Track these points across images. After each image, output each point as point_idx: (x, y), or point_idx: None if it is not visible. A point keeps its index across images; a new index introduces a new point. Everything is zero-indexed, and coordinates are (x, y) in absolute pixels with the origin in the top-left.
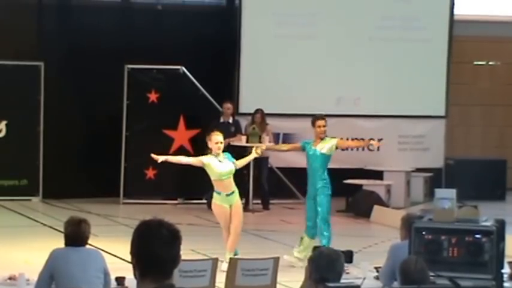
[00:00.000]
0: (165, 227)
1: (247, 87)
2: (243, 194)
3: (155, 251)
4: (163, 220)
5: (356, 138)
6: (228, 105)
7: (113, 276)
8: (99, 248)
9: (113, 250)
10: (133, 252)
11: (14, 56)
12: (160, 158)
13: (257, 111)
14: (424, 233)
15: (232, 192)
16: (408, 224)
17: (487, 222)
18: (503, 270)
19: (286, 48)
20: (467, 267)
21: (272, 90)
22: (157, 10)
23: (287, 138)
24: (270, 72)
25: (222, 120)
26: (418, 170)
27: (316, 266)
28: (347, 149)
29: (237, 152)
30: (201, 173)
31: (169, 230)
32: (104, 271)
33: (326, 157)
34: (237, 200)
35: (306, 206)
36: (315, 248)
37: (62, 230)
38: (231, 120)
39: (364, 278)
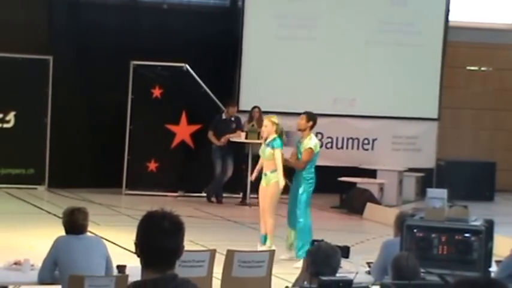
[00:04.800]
0: (168, 219)
1: (247, 86)
2: (241, 188)
3: (157, 242)
4: (167, 212)
5: (351, 138)
6: (236, 109)
7: (114, 264)
8: (101, 237)
9: (115, 239)
10: (137, 243)
11: (24, 50)
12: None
13: (254, 107)
14: (415, 230)
15: (265, 174)
16: (400, 221)
17: (477, 222)
18: (491, 269)
19: (286, 49)
20: (456, 264)
21: (271, 89)
22: (163, 9)
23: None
24: (270, 72)
25: (224, 117)
26: (410, 169)
27: (313, 260)
28: None
29: (236, 148)
30: (201, 167)
31: (172, 222)
32: (106, 258)
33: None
34: (267, 182)
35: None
36: (314, 242)
37: None
38: (232, 118)
39: (357, 273)
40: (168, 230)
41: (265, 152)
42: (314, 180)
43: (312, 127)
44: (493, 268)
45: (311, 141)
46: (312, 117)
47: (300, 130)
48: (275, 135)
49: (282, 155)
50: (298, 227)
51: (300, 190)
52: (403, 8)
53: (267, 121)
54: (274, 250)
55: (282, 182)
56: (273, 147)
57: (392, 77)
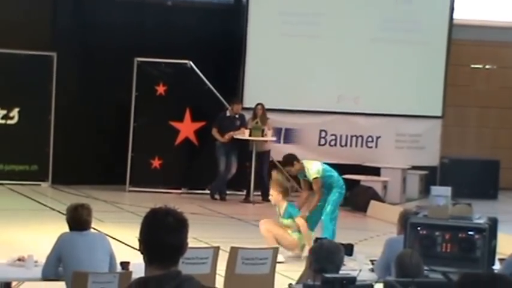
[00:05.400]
0: (172, 215)
1: (251, 83)
2: (245, 185)
3: (161, 239)
4: (171, 209)
5: (355, 135)
6: (240, 107)
7: (118, 261)
8: (105, 233)
9: (118, 235)
10: (140, 240)
11: (28, 46)
12: None
13: (258, 105)
14: (419, 228)
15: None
16: (404, 219)
17: (480, 220)
18: (494, 267)
19: (290, 46)
20: (459, 262)
21: (276, 86)
22: (168, 6)
23: (289, 132)
24: (274, 69)
25: (228, 114)
26: (414, 167)
27: (316, 258)
28: None
29: (240, 145)
30: (205, 164)
31: (176, 218)
32: (109, 254)
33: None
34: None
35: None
36: (317, 240)
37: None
38: (237, 115)
39: (360, 270)
40: (172, 227)
41: (284, 223)
42: (343, 183)
43: (298, 161)
44: (497, 266)
45: (312, 170)
46: (290, 160)
47: (295, 175)
48: (285, 203)
49: (305, 222)
50: (324, 221)
51: (331, 193)
52: (407, 5)
53: (272, 190)
54: (277, 247)
55: (306, 247)
56: (291, 217)
57: (397, 74)
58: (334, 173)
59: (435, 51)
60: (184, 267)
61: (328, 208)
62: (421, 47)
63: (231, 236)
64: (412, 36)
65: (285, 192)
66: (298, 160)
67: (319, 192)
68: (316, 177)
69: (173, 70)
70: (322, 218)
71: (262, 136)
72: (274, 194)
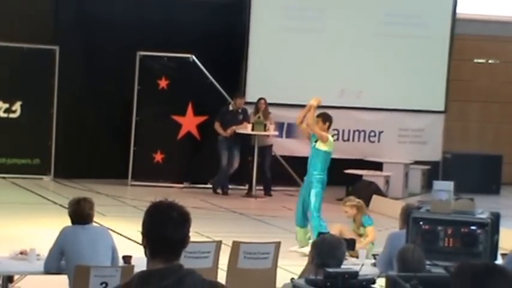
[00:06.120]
0: (175, 209)
1: (254, 77)
2: (247, 180)
3: (164, 232)
4: (173, 202)
5: (357, 130)
6: (243, 101)
7: (120, 255)
8: (107, 227)
9: (120, 229)
10: (143, 233)
11: (30, 40)
12: None
13: (260, 99)
14: (421, 223)
15: None
16: (406, 214)
17: (483, 215)
18: (496, 262)
19: (293, 40)
20: (462, 257)
21: (278, 80)
22: (170, 0)
23: (291, 127)
24: (277, 64)
25: (231, 108)
26: (417, 162)
27: (318, 252)
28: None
29: (242, 140)
30: (207, 158)
31: (179, 212)
32: (111, 248)
33: (317, 152)
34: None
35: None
36: (319, 235)
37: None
38: (240, 109)
39: (362, 265)
40: (176, 220)
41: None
42: (325, 181)
43: (328, 128)
44: (499, 261)
45: (330, 137)
46: (327, 118)
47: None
48: (360, 216)
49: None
50: (313, 220)
51: (313, 190)
52: (410, 0)
53: (348, 208)
54: (279, 242)
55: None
56: (364, 226)
57: (399, 69)
58: (327, 165)
59: (438, 46)
60: (186, 261)
61: (317, 203)
62: (424, 42)
63: (233, 230)
64: (415, 30)
65: (361, 208)
66: (329, 125)
67: (316, 131)
68: (327, 138)
69: (175, 64)
70: (311, 212)
71: (265, 130)
72: (349, 211)
